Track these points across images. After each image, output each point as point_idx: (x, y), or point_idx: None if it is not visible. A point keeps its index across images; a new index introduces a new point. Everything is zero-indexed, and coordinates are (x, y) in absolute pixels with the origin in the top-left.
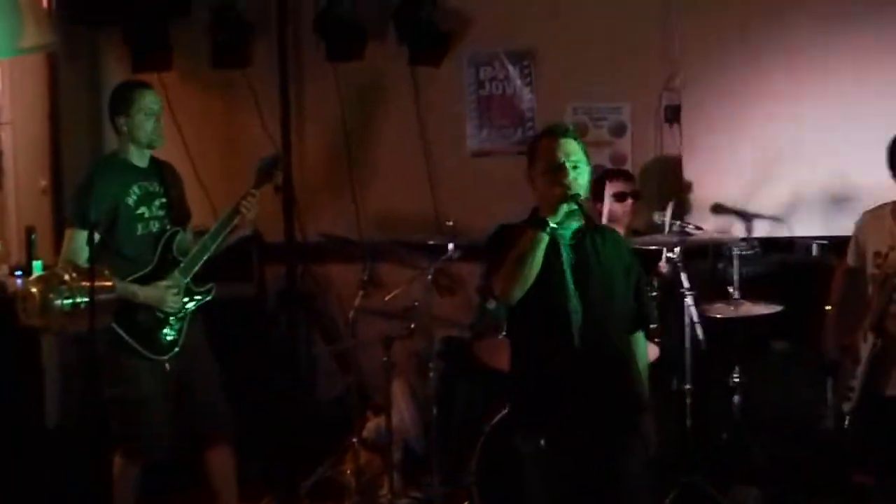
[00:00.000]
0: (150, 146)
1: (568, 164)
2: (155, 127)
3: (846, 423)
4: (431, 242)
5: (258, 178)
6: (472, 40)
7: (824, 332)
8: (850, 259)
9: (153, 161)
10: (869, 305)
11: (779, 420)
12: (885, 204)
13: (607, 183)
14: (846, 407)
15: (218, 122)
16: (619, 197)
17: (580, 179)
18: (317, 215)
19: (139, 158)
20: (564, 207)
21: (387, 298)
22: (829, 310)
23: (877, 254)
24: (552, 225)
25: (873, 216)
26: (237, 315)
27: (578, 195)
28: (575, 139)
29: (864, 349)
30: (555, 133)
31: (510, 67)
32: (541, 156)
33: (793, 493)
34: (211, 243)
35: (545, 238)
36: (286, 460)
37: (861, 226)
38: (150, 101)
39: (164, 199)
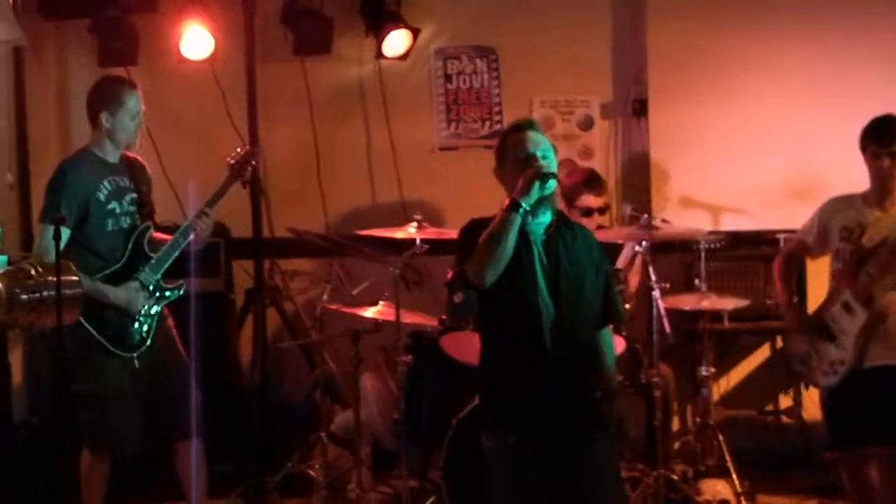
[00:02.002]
0: (127, 147)
1: (538, 154)
2: (136, 130)
3: (825, 399)
4: (399, 237)
5: (229, 175)
6: (439, 34)
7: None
8: (807, 236)
9: (123, 156)
10: (842, 279)
11: (747, 412)
12: (855, 194)
13: (579, 193)
14: (830, 381)
15: (185, 116)
16: (585, 213)
17: (551, 167)
18: (284, 210)
19: (112, 154)
20: (536, 187)
21: (354, 293)
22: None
23: (844, 228)
24: (525, 206)
25: (840, 200)
26: (205, 310)
27: (553, 173)
28: (540, 132)
29: (851, 322)
30: (522, 127)
31: (477, 61)
32: (510, 150)
33: (762, 484)
34: (182, 240)
35: (517, 219)
36: (254, 455)
37: (825, 208)
38: (136, 103)
39: (135, 195)
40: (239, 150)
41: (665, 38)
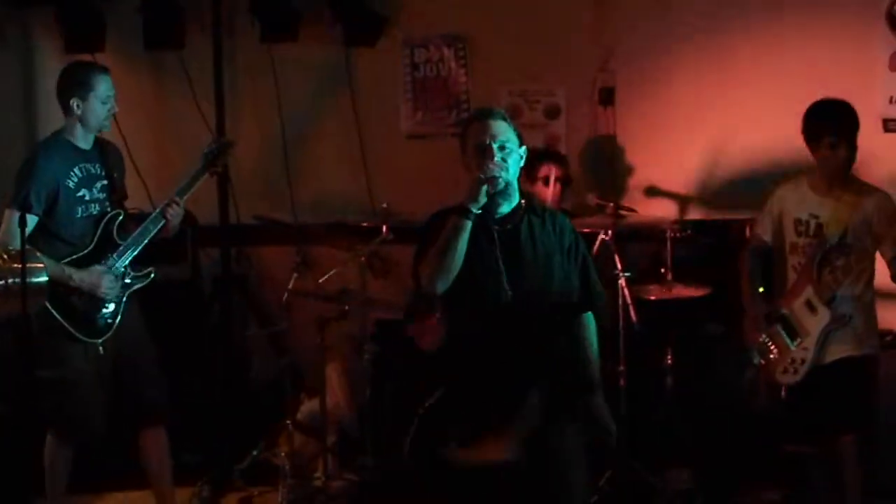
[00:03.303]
0: (98, 131)
1: (494, 145)
2: (108, 114)
3: (783, 394)
4: (366, 225)
5: (203, 165)
6: (407, 22)
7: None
8: (762, 232)
9: (97, 142)
10: (803, 275)
11: (711, 402)
12: (800, 177)
13: (536, 165)
14: (790, 379)
15: (151, 103)
16: (545, 181)
17: (508, 160)
18: (251, 198)
19: (84, 140)
20: (483, 191)
21: (321, 281)
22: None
23: (797, 221)
24: (474, 211)
25: (788, 188)
26: (171, 298)
27: (496, 177)
28: (504, 120)
29: (813, 321)
30: (482, 116)
31: (445, 50)
32: (469, 140)
33: (725, 475)
34: (153, 227)
35: (467, 225)
36: (220, 443)
37: (775, 198)
38: (106, 87)
39: (105, 182)
40: (213, 141)
41: (632, 28)
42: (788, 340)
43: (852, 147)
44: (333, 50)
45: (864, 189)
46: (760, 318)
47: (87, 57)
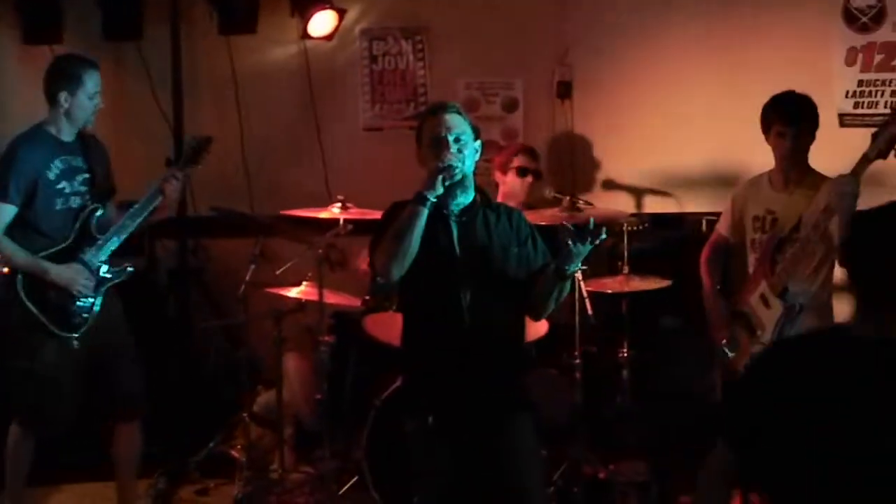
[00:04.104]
0: (84, 126)
1: (450, 138)
2: (94, 109)
3: None
4: (323, 216)
5: (185, 158)
6: (365, 15)
7: (708, 308)
8: (724, 229)
9: (80, 136)
10: (757, 270)
11: (667, 394)
12: (762, 174)
13: (513, 157)
14: None
15: (109, 95)
16: (520, 172)
17: (464, 152)
18: (208, 189)
19: (67, 133)
20: (439, 180)
21: (278, 273)
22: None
23: (755, 218)
24: (431, 199)
25: (749, 186)
26: (127, 289)
27: (452, 167)
28: (459, 114)
29: (768, 315)
30: (437, 110)
31: (403, 42)
32: (425, 133)
33: (681, 467)
34: (131, 223)
35: (423, 213)
36: (176, 435)
37: (736, 196)
38: (95, 83)
39: (87, 175)
40: (192, 137)
41: (589, 21)
42: (749, 336)
43: (803, 137)
44: (292, 42)
45: (822, 180)
46: (723, 315)
47: (45, 49)
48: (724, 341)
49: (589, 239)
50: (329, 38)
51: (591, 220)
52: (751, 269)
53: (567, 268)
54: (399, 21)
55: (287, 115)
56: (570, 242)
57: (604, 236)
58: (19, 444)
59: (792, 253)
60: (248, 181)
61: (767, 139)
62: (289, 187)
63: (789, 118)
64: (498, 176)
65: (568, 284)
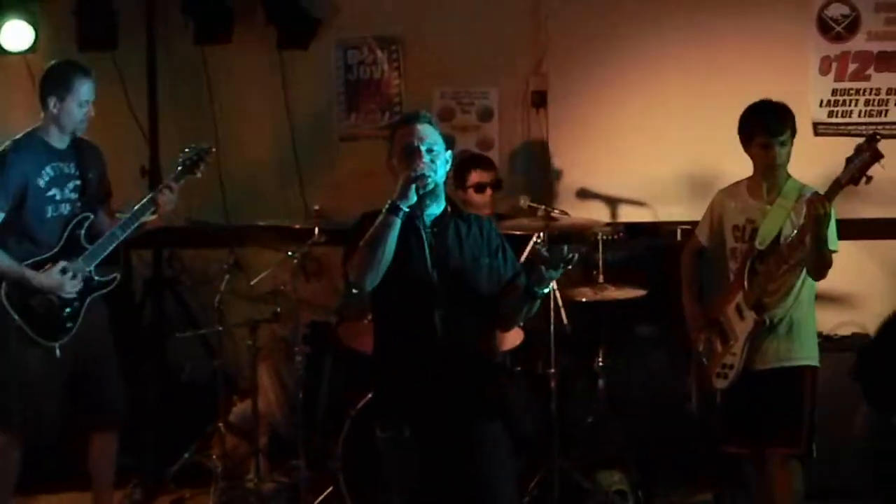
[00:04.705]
0: (73, 133)
1: (422, 147)
2: (84, 117)
3: (718, 399)
4: (298, 227)
5: (183, 169)
6: (340, 24)
7: (688, 315)
8: (702, 237)
9: (74, 142)
10: (735, 281)
11: (643, 403)
12: (740, 181)
13: (466, 173)
14: (721, 384)
15: None
16: (478, 188)
17: (436, 162)
18: (183, 199)
19: (58, 140)
20: (413, 189)
21: (253, 283)
22: (684, 291)
23: (735, 227)
24: (404, 209)
25: (727, 193)
26: (103, 299)
27: (425, 175)
28: (430, 124)
29: (741, 326)
30: (409, 120)
31: (378, 52)
32: (396, 143)
33: (657, 476)
34: (120, 233)
35: (397, 222)
36: (152, 445)
37: (715, 203)
38: (86, 90)
39: (78, 182)
40: (190, 147)
41: (563, 31)
42: (721, 345)
43: (785, 147)
44: (267, 51)
45: (801, 190)
46: (701, 322)
47: (18, 58)
48: (701, 347)
49: (562, 265)
50: (304, 47)
51: (566, 247)
52: (732, 277)
53: (537, 290)
54: (374, 30)
55: (262, 125)
56: (542, 268)
57: (575, 260)
58: (5, 453)
59: (767, 269)
60: (223, 191)
61: (747, 149)
62: (264, 197)
63: (773, 129)
64: (458, 193)
65: (538, 302)
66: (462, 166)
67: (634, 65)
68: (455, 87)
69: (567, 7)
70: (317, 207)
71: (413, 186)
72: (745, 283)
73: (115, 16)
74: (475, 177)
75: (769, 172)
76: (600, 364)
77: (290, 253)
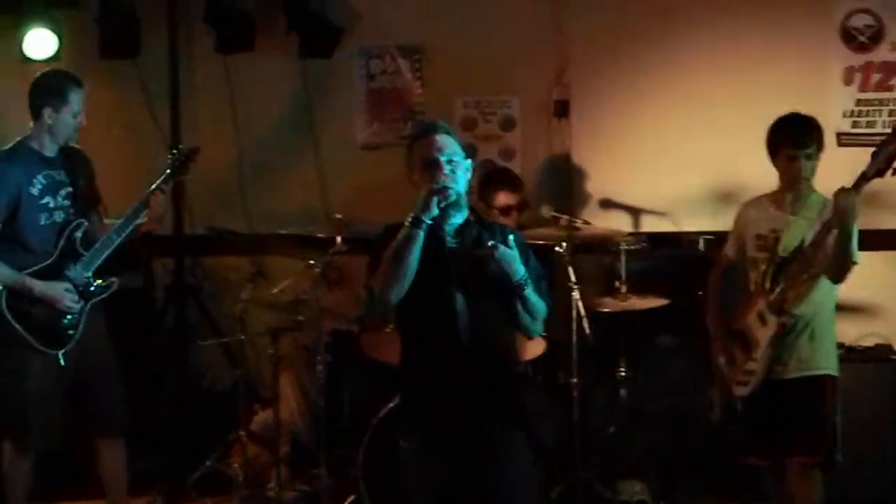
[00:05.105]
0: (65, 143)
1: (442, 159)
2: (76, 126)
3: (739, 407)
4: (320, 235)
5: (171, 171)
6: (362, 33)
7: (712, 330)
8: (730, 252)
9: (63, 149)
10: (757, 289)
11: (664, 413)
12: (764, 195)
13: (494, 192)
14: (742, 391)
15: (107, 113)
16: (504, 211)
17: (456, 172)
18: (206, 208)
19: (49, 149)
20: (434, 202)
21: (275, 291)
22: (710, 307)
23: (758, 236)
24: (427, 221)
25: (752, 205)
26: (125, 307)
27: (447, 188)
28: (448, 134)
29: (763, 332)
30: (427, 131)
31: (400, 61)
32: (416, 155)
33: (678, 486)
34: (116, 237)
35: (420, 235)
36: (173, 453)
37: (740, 216)
38: (80, 101)
39: (70, 189)
40: (177, 148)
41: (587, 41)
42: (742, 354)
43: (811, 161)
44: (289, 60)
45: (825, 202)
46: (724, 338)
47: (42, 66)
48: (723, 360)
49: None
50: (327, 56)
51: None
52: (752, 287)
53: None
54: (396, 39)
55: (284, 134)
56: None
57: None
58: (14, 464)
59: (789, 276)
60: (245, 199)
61: (774, 161)
62: (286, 206)
63: (801, 142)
64: (481, 205)
65: (530, 296)
66: (488, 183)
67: (657, 75)
68: (477, 97)
69: (590, 16)
70: (339, 216)
71: (435, 199)
72: (767, 290)
73: (137, 24)
74: (502, 198)
75: (794, 185)
76: (622, 374)
77: (311, 262)
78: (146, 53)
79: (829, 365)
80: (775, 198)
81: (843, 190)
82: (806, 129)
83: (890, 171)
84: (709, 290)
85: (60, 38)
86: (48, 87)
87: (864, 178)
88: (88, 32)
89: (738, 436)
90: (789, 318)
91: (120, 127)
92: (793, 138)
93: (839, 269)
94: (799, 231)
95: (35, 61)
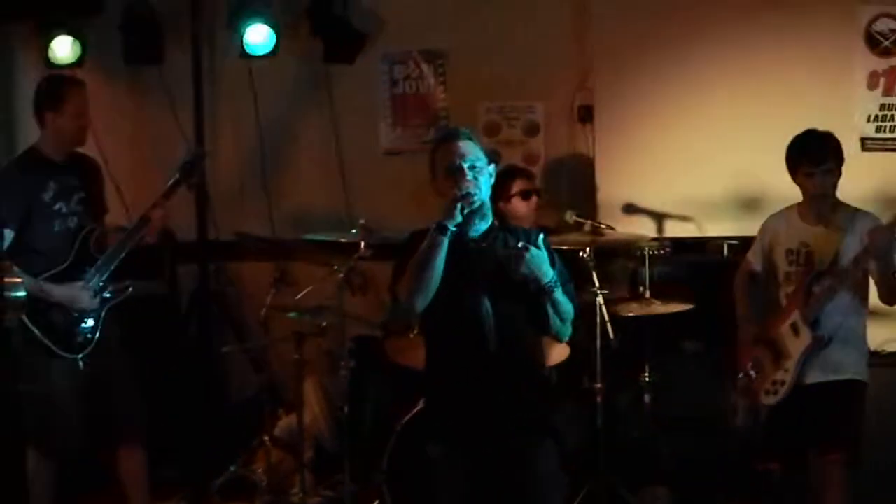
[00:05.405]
0: (74, 145)
1: (465, 165)
2: (83, 128)
3: (763, 416)
4: (344, 241)
5: (179, 178)
6: (386, 38)
7: (741, 333)
8: (754, 262)
9: (73, 155)
10: (791, 301)
11: (688, 419)
12: (790, 206)
13: (510, 182)
14: (770, 401)
15: (131, 119)
16: (524, 195)
17: (479, 178)
18: (230, 213)
19: (58, 154)
20: (458, 209)
21: (298, 297)
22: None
23: (788, 251)
24: (451, 228)
25: (778, 218)
26: (149, 313)
27: (471, 194)
28: (470, 140)
29: (796, 344)
30: (449, 137)
31: (424, 66)
32: (439, 162)
33: (702, 492)
34: (121, 250)
35: (444, 242)
36: (197, 459)
37: (766, 228)
38: (80, 102)
39: (82, 194)
40: (188, 152)
41: (611, 45)
42: (773, 362)
43: (831, 175)
44: (313, 65)
45: (853, 213)
46: (752, 343)
47: (66, 72)
48: (750, 364)
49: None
50: (350, 61)
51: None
52: (783, 301)
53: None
54: (420, 44)
55: (308, 139)
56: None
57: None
58: (38, 470)
59: (829, 285)
60: (270, 205)
61: (794, 179)
62: (310, 211)
63: (817, 159)
64: (500, 206)
65: (559, 298)
66: (503, 177)
67: (681, 79)
68: (501, 102)
69: (613, 21)
70: (362, 221)
71: (459, 206)
72: (803, 302)
73: (160, 30)
74: (519, 184)
75: (818, 199)
76: (646, 379)
77: (335, 267)
78: (170, 58)
79: (858, 370)
80: (801, 211)
81: (878, 229)
82: (822, 146)
83: None
84: (736, 295)
85: (84, 46)
86: (45, 91)
87: None
88: (112, 39)
89: (760, 442)
90: (825, 333)
91: (144, 133)
92: (810, 156)
93: (891, 294)
94: (831, 242)
95: (60, 67)
